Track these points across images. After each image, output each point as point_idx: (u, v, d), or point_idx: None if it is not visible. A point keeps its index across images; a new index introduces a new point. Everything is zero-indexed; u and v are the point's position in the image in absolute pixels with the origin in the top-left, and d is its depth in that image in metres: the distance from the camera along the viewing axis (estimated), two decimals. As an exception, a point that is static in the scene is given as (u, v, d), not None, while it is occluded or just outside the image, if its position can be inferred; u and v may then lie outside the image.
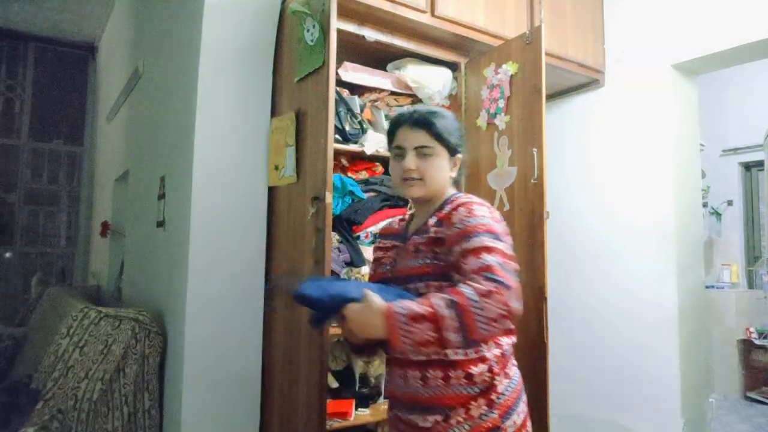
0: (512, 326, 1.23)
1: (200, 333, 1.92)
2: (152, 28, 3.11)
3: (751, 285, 5.31)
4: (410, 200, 1.34)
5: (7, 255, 5.28)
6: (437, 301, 1.03)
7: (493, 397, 1.17)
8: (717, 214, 5.41)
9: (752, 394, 4.63)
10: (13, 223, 5.32)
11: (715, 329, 4.76)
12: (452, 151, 1.30)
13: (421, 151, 1.27)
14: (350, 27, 2.10)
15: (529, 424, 1.24)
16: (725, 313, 4.82)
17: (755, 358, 4.73)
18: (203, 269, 1.95)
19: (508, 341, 1.25)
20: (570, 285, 2.99)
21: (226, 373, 1.96)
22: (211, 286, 1.96)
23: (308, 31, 1.87)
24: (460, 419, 1.15)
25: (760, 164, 5.22)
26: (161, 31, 2.84)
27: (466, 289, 1.02)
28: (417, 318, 1.02)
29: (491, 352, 1.19)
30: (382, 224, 2.19)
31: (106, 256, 4.25)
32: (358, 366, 2.24)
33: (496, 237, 1.13)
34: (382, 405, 2.21)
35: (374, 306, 1.06)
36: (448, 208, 1.24)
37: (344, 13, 2.01)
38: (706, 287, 4.43)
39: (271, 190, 2.11)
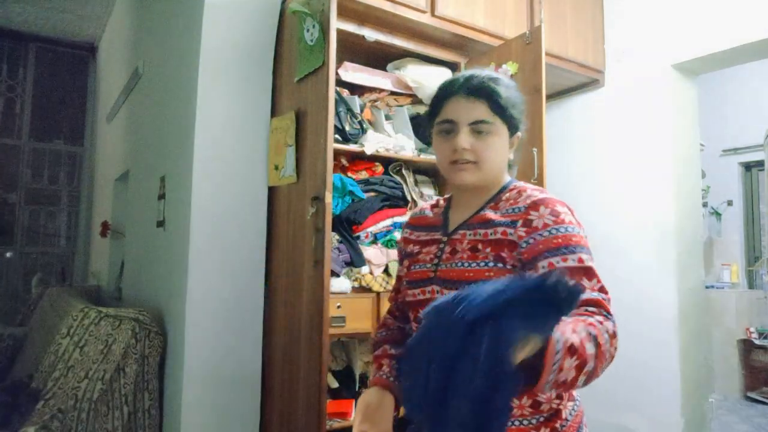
0: None
1: (200, 333, 1.93)
2: (152, 28, 3.11)
3: (751, 285, 5.30)
4: (456, 187, 1.09)
5: (8, 255, 5.28)
6: (583, 333, 0.80)
7: (558, 425, 0.95)
8: (717, 214, 5.41)
9: (752, 395, 4.63)
10: (13, 223, 5.32)
11: (715, 329, 4.76)
12: (513, 128, 1.06)
13: (478, 128, 1.01)
14: (350, 27, 2.10)
15: None
16: (725, 313, 4.82)
17: (755, 358, 4.73)
18: (203, 269, 1.95)
19: None
20: (570, 285, 2.99)
21: (226, 373, 1.96)
22: (211, 286, 1.96)
23: (308, 31, 1.87)
24: None
25: (760, 164, 5.22)
26: (161, 31, 2.84)
27: (602, 328, 0.84)
28: (572, 350, 0.77)
29: None
30: (381, 224, 2.19)
31: (106, 256, 4.25)
32: (358, 366, 2.24)
33: (588, 252, 0.95)
34: (382, 405, 2.21)
35: None
36: (519, 204, 1.00)
37: (344, 13, 2.01)
38: (706, 287, 4.43)
39: (271, 190, 2.11)
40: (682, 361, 2.58)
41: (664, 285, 2.64)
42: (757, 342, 4.70)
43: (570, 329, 0.79)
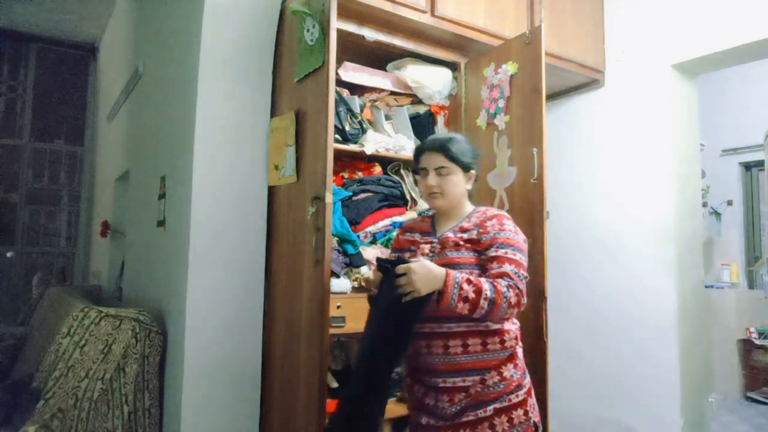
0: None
1: (200, 332, 1.93)
2: (152, 28, 3.11)
3: (751, 285, 5.30)
4: (434, 209, 1.66)
5: (9, 254, 5.29)
6: (484, 281, 1.37)
7: (517, 361, 1.49)
8: (717, 214, 5.40)
9: (752, 395, 4.63)
10: (14, 222, 5.33)
11: (715, 329, 4.75)
12: (466, 169, 1.58)
13: (439, 171, 1.55)
14: (350, 27, 2.10)
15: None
16: (725, 313, 4.81)
17: (755, 358, 4.73)
18: (203, 269, 1.95)
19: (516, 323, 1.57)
20: (569, 285, 3.00)
21: (226, 373, 1.96)
22: (211, 286, 1.96)
23: (308, 31, 1.87)
24: (496, 380, 1.44)
25: (760, 164, 5.22)
26: (161, 31, 2.84)
27: (501, 284, 1.37)
28: (469, 282, 1.35)
29: (515, 325, 1.53)
30: (380, 224, 2.20)
31: (107, 256, 4.25)
32: (358, 365, 2.24)
33: (516, 249, 1.46)
34: (382, 404, 2.21)
35: (436, 267, 1.36)
36: (482, 217, 1.54)
37: (344, 13, 2.01)
38: (706, 287, 4.42)
39: (271, 190, 2.11)
40: (682, 360, 2.59)
41: (663, 285, 2.64)
42: (757, 342, 4.70)
43: (467, 276, 1.37)
